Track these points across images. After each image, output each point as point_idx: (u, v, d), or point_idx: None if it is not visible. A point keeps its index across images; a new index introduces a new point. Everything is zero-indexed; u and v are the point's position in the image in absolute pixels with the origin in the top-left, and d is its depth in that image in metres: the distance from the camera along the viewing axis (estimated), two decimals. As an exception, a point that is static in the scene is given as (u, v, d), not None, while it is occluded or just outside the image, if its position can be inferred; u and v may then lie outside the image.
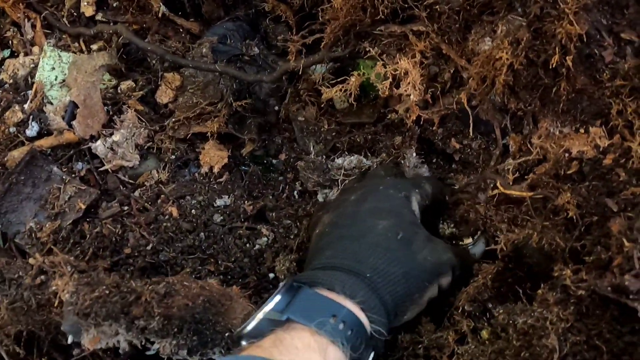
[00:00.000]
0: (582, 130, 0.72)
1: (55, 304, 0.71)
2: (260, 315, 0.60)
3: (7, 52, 1.04)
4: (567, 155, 0.71)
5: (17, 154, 0.85)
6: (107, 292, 0.67)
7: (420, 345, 0.73)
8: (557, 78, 0.71)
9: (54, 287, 0.71)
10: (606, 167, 0.68)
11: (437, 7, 0.81)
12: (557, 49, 0.69)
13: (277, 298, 0.61)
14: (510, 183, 0.75)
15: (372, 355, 0.63)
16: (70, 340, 0.68)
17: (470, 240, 0.79)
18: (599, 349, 0.57)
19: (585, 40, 0.70)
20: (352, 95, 0.82)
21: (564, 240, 0.66)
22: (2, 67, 1.02)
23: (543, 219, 0.69)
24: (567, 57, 0.68)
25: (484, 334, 0.69)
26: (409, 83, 0.82)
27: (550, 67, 0.70)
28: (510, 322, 0.63)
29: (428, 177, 0.88)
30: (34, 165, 0.86)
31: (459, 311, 0.71)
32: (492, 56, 0.73)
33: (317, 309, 0.59)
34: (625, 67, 0.70)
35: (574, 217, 0.66)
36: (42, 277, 0.74)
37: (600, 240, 0.62)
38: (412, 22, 0.86)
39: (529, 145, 0.77)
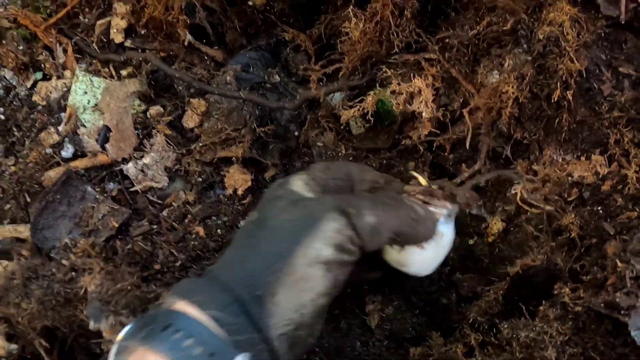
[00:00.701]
0: (583, 158, 0.80)
1: (81, 298, 0.81)
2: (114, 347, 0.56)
3: (39, 75, 1.15)
4: (569, 179, 0.79)
5: (53, 174, 0.96)
6: (128, 287, 0.77)
7: (430, 358, 0.81)
8: (560, 110, 0.81)
9: (81, 283, 0.81)
10: (605, 192, 0.76)
11: (448, 40, 0.91)
12: (558, 83, 0.78)
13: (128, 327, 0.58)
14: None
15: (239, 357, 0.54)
16: (92, 325, 0.77)
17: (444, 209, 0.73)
18: (594, 360, 0.65)
19: (584, 75, 0.79)
20: (369, 113, 0.91)
21: (565, 261, 0.75)
22: (35, 89, 1.13)
23: (549, 239, 0.78)
24: (568, 92, 0.78)
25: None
26: (421, 100, 0.91)
27: (553, 100, 0.79)
28: (514, 335, 0.72)
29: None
30: (69, 185, 0.96)
31: (469, 323, 0.79)
32: (499, 89, 0.82)
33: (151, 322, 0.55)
34: (622, 100, 0.79)
35: (575, 238, 0.74)
36: (73, 273, 0.84)
37: (598, 261, 0.71)
38: (424, 51, 0.96)
39: (534, 171, 0.86)
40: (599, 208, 0.76)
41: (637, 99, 0.78)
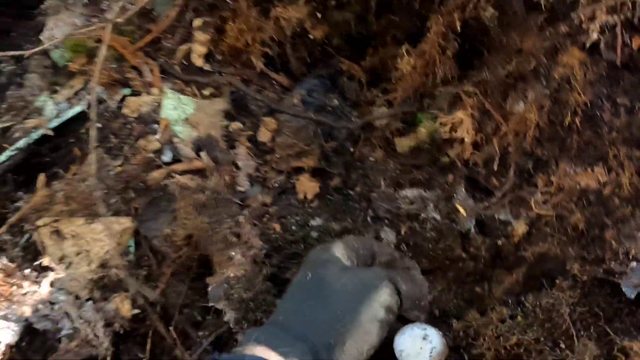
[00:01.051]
0: (589, 170, 1.15)
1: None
2: None
3: (127, 91, 1.48)
4: (578, 187, 1.14)
5: (156, 174, 1.29)
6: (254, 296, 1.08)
7: (470, 328, 1.14)
8: (571, 133, 1.15)
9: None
10: (605, 196, 1.11)
11: (483, 78, 1.26)
12: (569, 112, 1.13)
13: None
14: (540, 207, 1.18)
15: None
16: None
17: None
18: (597, 315, 0.98)
19: (590, 105, 1.14)
20: (421, 140, 1.27)
21: (575, 250, 1.09)
22: (124, 102, 1.46)
23: (561, 234, 1.12)
24: (576, 118, 1.13)
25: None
26: (464, 129, 1.26)
27: (565, 125, 1.14)
28: (537, 303, 1.05)
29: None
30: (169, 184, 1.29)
31: (497, 300, 1.13)
32: (524, 117, 1.17)
33: None
34: (618, 124, 1.14)
35: (583, 230, 1.08)
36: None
37: (599, 244, 1.05)
38: (462, 84, 1.31)
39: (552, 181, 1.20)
40: (601, 208, 1.10)
41: (630, 124, 1.13)
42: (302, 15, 1.37)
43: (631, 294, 0.92)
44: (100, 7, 1.68)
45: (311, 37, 1.48)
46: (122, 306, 1.15)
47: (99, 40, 1.47)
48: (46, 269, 1.20)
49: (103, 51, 1.34)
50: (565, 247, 1.10)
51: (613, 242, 1.00)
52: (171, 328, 1.18)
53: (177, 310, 1.19)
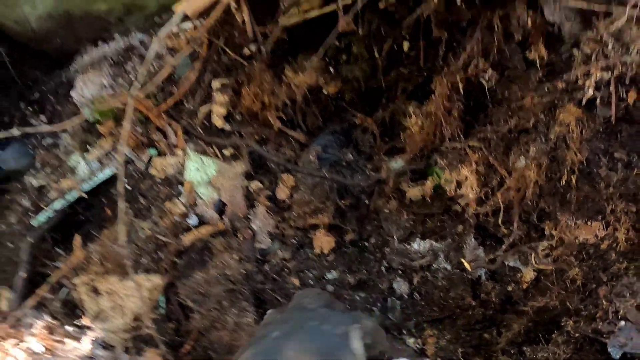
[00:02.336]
0: (588, 224, 1.25)
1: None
2: None
3: (154, 151, 1.67)
4: (577, 241, 1.24)
5: (188, 238, 1.46)
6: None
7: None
8: (569, 188, 1.26)
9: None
10: (603, 250, 1.21)
11: (487, 134, 1.38)
12: (566, 170, 1.24)
13: None
14: (540, 261, 1.29)
15: None
16: None
17: None
18: (587, 370, 1.10)
19: (586, 163, 1.25)
20: (427, 193, 1.40)
21: (572, 303, 1.20)
22: (151, 163, 1.64)
23: (560, 287, 1.23)
24: (573, 176, 1.24)
25: None
26: (468, 186, 1.39)
27: (563, 182, 1.25)
28: (534, 356, 1.17)
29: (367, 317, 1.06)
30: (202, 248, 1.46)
31: (500, 350, 1.25)
32: (524, 174, 1.29)
33: None
34: (615, 179, 1.24)
35: (580, 285, 1.19)
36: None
37: (594, 301, 1.15)
38: (467, 139, 1.44)
39: (553, 232, 1.31)
40: (599, 262, 1.21)
41: (626, 179, 1.23)
42: (312, 81, 1.52)
43: (616, 355, 1.03)
44: (125, 68, 1.89)
45: (325, 92, 1.63)
46: (153, 358, 1.32)
47: (125, 104, 1.67)
48: (85, 326, 1.39)
49: (127, 125, 1.52)
50: (564, 300, 1.21)
51: (604, 301, 1.11)
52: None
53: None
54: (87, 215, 1.62)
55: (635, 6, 1.19)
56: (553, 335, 1.17)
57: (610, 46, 1.17)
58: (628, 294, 1.10)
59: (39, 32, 2.19)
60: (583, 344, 1.11)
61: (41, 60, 2.25)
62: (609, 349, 1.04)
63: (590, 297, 1.18)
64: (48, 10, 2.14)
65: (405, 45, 1.56)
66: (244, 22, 1.58)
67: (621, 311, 1.08)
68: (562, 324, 1.16)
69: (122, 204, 1.33)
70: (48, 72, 2.23)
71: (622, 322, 1.07)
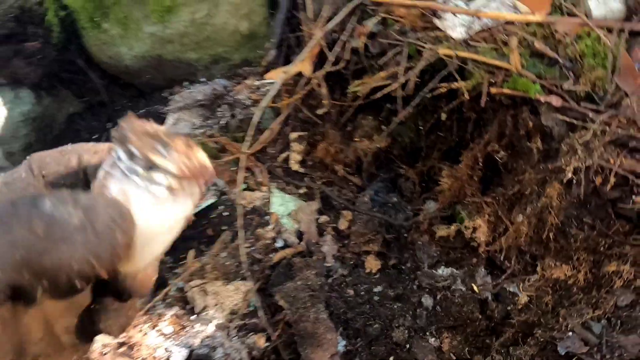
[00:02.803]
0: (561, 265, 2.17)
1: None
2: None
3: (244, 186, 2.60)
4: (552, 277, 2.17)
5: (277, 256, 2.39)
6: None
7: (478, 367, 2.20)
8: (551, 240, 2.18)
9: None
10: (568, 284, 2.13)
11: (498, 195, 2.31)
12: (548, 229, 2.16)
13: None
14: (527, 289, 2.23)
15: None
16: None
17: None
18: (548, 363, 2.03)
19: (562, 224, 2.17)
20: (452, 234, 2.34)
21: (543, 319, 2.13)
22: (241, 195, 2.58)
23: (538, 308, 2.16)
24: (551, 233, 2.16)
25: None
26: (481, 231, 2.32)
27: (546, 236, 2.17)
28: (515, 354, 2.10)
29: None
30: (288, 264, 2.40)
31: (495, 350, 2.19)
32: (520, 227, 2.21)
33: None
34: (581, 237, 2.16)
35: (550, 307, 2.12)
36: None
37: (557, 319, 2.08)
38: (483, 196, 2.37)
39: (538, 270, 2.24)
40: (565, 292, 2.13)
41: (589, 237, 2.15)
42: (381, 146, 2.45)
43: (562, 352, 1.96)
44: (214, 110, 2.83)
45: (378, 146, 2.56)
46: (259, 340, 2.26)
47: (224, 148, 2.61)
48: (205, 315, 2.33)
49: (240, 177, 2.45)
50: (539, 317, 2.15)
51: (561, 319, 2.04)
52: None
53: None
54: (192, 233, 2.56)
55: (602, 123, 2.10)
56: (527, 340, 2.09)
57: (579, 151, 2.09)
58: (577, 315, 2.02)
59: (131, 68, 3.13)
60: (545, 346, 2.03)
61: (128, 90, 3.21)
62: (559, 349, 1.97)
63: (556, 316, 2.10)
64: (143, 53, 3.09)
65: (443, 116, 2.48)
66: (320, 93, 2.51)
67: (570, 325, 2.00)
68: (535, 332, 2.08)
69: (241, 233, 2.27)
70: (133, 100, 3.18)
71: (570, 333, 1.99)
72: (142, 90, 3.23)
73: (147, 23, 2.92)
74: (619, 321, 2.02)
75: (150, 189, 0.66)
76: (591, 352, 1.93)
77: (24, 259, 0.57)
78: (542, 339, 2.06)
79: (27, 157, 0.72)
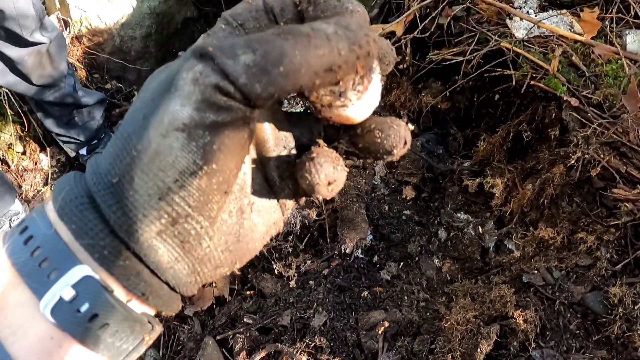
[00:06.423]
0: (547, 229, 3.12)
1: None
2: None
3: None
4: (539, 236, 3.12)
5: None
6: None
7: (466, 288, 3.19)
8: (545, 207, 3.13)
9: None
10: (550, 244, 3.09)
11: (518, 165, 3.26)
12: (545, 196, 3.10)
13: None
14: (520, 244, 3.19)
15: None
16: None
17: None
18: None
19: (557, 196, 3.11)
20: (475, 187, 3.31)
21: (527, 266, 3.11)
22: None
23: (522, 262, 3.13)
24: (547, 201, 3.10)
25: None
26: (498, 189, 3.28)
27: (542, 202, 3.12)
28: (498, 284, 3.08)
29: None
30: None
31: (481, 279, 3.17)
32: (526, 192, 3.16)
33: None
34: (568, 210, 3.10)
35: (533, 260, 3.09)
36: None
37: (538, 266, 3.05)
38: (507, 164, 3.32)
39: (530, 231, 3.19)
40: (548, 251, 3.09)
41: (572, 212, 3.10)
42: (441, 107, 3.41)
43: (525, 280, 2.92)
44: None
45: (439, 107, 3.53)
46: (312, 213, 3.27)
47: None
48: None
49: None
50: (519, 261, 3.12)
51: (534, 262, 3.00)
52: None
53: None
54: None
55: (602, 127, 3.02)
56: (505, 272, 3.06)
57: (581, 143, 3.01)
58: (545, 262, 2.97)
59: None
60: (516, 277, 2.99)
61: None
62: (523, 279, 2.93)
63: (530, 261, 3.06)
64: None
65: (496, 97, 3.42)
66: (405, 51, 3.48)
67: (537, 267, 2.96)
68: (511, 268, 3.04)
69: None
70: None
71: (535, 271, 2.95)
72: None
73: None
74: (574, 275, 2.97)
75: None
76: (545, 287, 2.90)
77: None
78: (515, 272, 3.04)
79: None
